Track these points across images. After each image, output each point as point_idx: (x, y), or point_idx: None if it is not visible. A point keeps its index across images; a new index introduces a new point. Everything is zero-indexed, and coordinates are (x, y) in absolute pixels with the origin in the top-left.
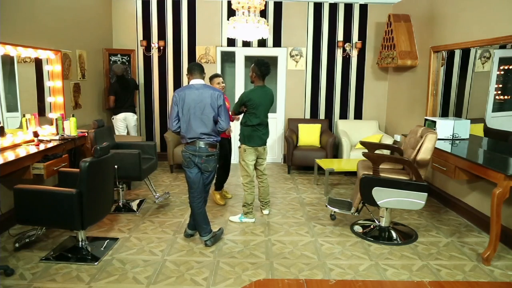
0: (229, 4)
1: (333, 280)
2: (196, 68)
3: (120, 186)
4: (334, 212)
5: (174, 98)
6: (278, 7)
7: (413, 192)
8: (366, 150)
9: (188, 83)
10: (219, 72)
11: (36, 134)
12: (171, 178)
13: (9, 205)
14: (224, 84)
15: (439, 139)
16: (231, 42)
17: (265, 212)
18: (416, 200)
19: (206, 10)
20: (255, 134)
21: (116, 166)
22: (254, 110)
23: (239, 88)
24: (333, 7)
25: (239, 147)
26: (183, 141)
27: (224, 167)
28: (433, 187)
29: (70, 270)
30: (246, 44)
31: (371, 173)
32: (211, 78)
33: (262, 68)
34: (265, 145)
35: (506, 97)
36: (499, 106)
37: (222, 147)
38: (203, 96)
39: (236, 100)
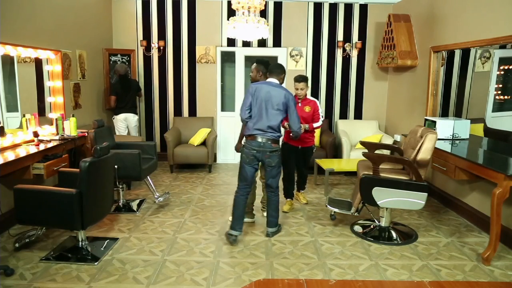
0: (229, 4)
1: (333, 280)
2: (275, 71)
3: (120, 186)
4: (334, 212)
5: (250, 88)
6: (278, 7)
7: (413, 192)
8: (366, 150)
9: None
10: (219, 72)
11: (36, 134)
12: (171, 178)
13: (9, 205)
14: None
15: (439, 139)
16: (231, 42)
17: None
18: (416, 200)
19: (206, 10)
20: None
21: (116, 166)
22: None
23: (239, 88)
24: (333, 7)
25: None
26: (245, 132)
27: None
28: (433, 187)
29: (70, 270)
30: (246, 44)
31: (371, 173)
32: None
33: (267, 65)
34: None
35: (506, 97)
36: (499, 106)
37: (304, 154)
38: (276, 93)
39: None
